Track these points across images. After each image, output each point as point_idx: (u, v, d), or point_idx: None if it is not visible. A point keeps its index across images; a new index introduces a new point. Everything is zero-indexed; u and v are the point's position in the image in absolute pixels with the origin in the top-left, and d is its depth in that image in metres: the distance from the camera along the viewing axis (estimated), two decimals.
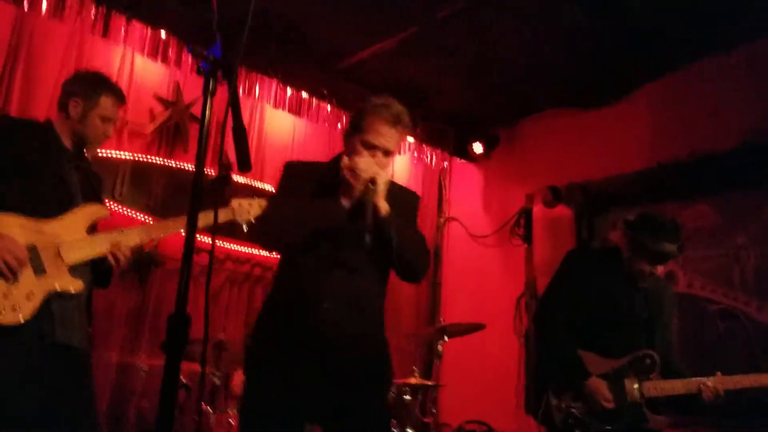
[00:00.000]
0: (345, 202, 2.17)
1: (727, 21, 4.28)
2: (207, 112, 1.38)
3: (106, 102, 2.57)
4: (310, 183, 2.26)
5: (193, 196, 1.32)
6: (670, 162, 4.73)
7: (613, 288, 2.98)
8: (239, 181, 4.83)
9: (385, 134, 2.21)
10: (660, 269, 2.97)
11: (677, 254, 2.94)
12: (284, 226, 2.18)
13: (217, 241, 1.42)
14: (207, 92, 1.39)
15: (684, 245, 2.95)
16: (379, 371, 2.27)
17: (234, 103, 1.41)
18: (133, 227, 2.66)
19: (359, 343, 2.20)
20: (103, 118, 2.57)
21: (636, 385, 2.90)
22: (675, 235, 2.90)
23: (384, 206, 2.11)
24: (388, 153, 2.24)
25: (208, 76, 1.39)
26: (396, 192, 2.26)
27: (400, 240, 2.12)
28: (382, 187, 2.12)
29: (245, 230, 2.81)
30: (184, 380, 3.70)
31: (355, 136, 2.24)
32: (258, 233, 2.43)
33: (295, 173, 2.33)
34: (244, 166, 1.44)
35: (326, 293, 2.16)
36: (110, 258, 2.49)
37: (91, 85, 2.59)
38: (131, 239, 2.54)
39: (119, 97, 2.64)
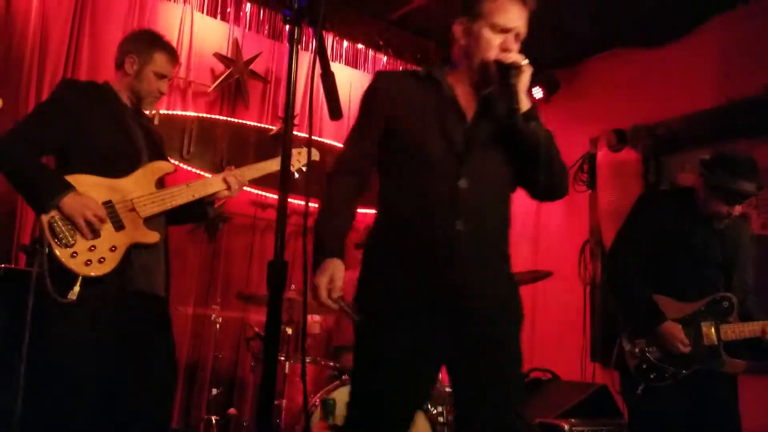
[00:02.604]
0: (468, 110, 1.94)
1: None
2: (293, 63, 1.37)
3: (160, 58, 2.66)
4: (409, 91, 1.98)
5: (283, 155, 1.33)
6: (741, 99, 4.53)
7: (689, 230, 2.91)
8: (299, 135, 4.87)
9: (516, 13, 1.91)
10: (737, 210, 2.89)
11: (756, 193, 2.85)
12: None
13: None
14: (292, 41, 1.39)
15: (762, 184, 2.86)
16: (515, 306, 1.98)
17: (321, 51, 1.41)
18: (201, 180, 2.77)
19: (493, 270, 1.94)
20: (158, 74, 2.66)
21: (713, 329, 2.85)
22: (753, 174, 2.81)
23: (527, 102, 1.86)
24: (519, 36, 1.94)
25: (293, 24, 1.39)
26: None
27: (547, 143, 1.86)
28: (527, 78, 1.87)
29: (296, 177, 2.94)
30: (257, 330, 3.81)
31: (477, 22, 1.91)
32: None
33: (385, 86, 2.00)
34: (336, 113, 1.45)
35: (457, 210, 1.87)
36: (224, 186, 2.70)
37: (146, 42, 2.68)
38: (201, 191, 2.65)
39: (172, 54, 2.73)
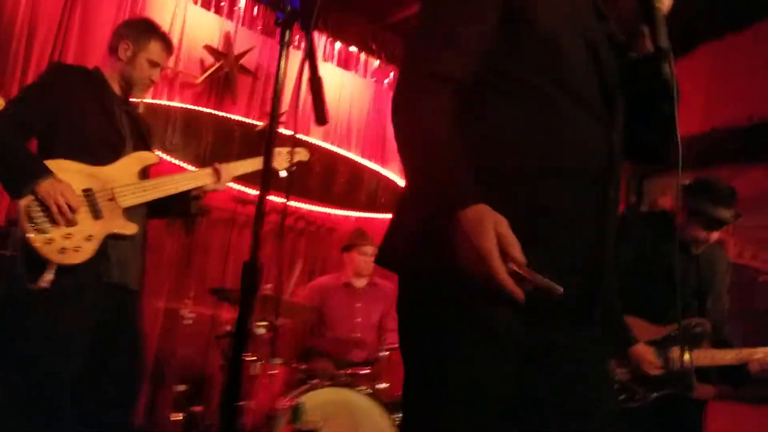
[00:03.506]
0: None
1: None
2: (282, 64, 1.36)
3: (155, 46, 2.65)
4: None
5: (266, 152, 1.31)
6: (725, 127, 4.59)
7: (666, 253, 2.93)
8: (284, 133, 4.84)
9: None
10: (714, 236, 2.91)
11: (732, 221, 2.88)
12: None
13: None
14: (283, 43, 1.38)
15: (739, 212, 2.89)
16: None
17: (311, 55, 1.40)
18: (186, 173, 2.75)
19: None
20: (151, 62, 2.64)
21: (685, 354, 2.87)
22: (731, 201, 2.84)
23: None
24: None
25: (284, 27, 1.38)
26: None
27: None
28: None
29: (282, 176, 2.86)
30: (228, 327, 3.77)
31: None
32: None
33: None
34: (321, 119, 1.43)
35: (611, 172, 1.31)
36: (210, 180, 2.67)
37: (142, 29, 2.67)
38: (186, 184, 2.62)
39: (167, 44, 2.72)
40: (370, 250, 4.34)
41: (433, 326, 1.21)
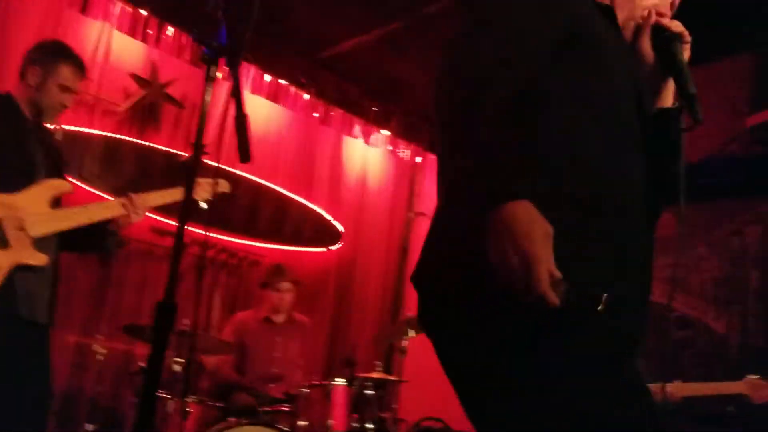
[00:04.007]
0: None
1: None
2: (207, 98, 1.34)
3: (65, 70, 2.55)
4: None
5: (187, 185, 1.28)
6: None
7: None
8: (208, 164, 4.76)
9: None
10: None
11: None
12: None
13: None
14: (208, 78, 1.36)
15: None
16: None
17: (237, 93, 1.38)
18: (100, 202, 2.66)
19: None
20: (62, 86, 2.55)
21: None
22: None
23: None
24: (674, 5, 1.48)
25: (209, 63, 1.36)
26: None
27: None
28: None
29: (203, 208, 2.75)
30: (141, 364, 3.64)
31: None
32: None
33: None
34: (245, 158, 1.41)
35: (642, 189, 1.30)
36: (122, 211, 2.55)
37: (51, 52, 2.57)
38: (98, 214, 2.53)
39: (79, 66, 2.61)
40: (286, 286, 4.35)
41: (549, 336, 1.09)
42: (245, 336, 4.24)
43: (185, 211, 1.42)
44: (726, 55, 4.51)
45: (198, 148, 1.35)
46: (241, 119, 1.41)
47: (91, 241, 2.64)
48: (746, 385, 3.06)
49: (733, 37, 4.26)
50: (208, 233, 1.53)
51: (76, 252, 2.77)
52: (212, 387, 4.21)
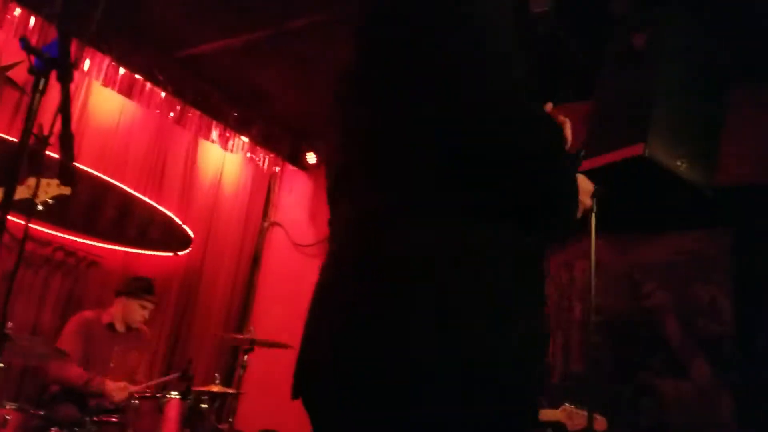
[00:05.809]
0: None
1: None
2: (35, 108, 1.27)
3: None
4: None
5: (8, 177, 1.20)
6: None
7: None
8: (54, 157, 4.48)
9: None
10: None
11: None
12: None
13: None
14: (36, 91, 1.28)
15: None
16: None
17: (65, 110, 1.30)
18: None
19: None
20: None
21: None
22: None
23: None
24: None
25: (39, 75, 1.28)
26: None
27: None
28: None
29: (40, 209, 2.67)
30: None
31: None
32: None
33: None
34: (68, 180, 1.34)
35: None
36: None
37: None
38: None
39: None
40: (150, 305, 4.23)
41: None
42: (88, 338, 4.05)
43: (5, 206, 1.33)
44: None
45: (22, 154, 1.27)
46: (67, 139, 1.33)
47: None
48: (563, 414, 3.29)
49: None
50: (28, 224, 1.43)
51: None
52: (35, 394, 3.96)
